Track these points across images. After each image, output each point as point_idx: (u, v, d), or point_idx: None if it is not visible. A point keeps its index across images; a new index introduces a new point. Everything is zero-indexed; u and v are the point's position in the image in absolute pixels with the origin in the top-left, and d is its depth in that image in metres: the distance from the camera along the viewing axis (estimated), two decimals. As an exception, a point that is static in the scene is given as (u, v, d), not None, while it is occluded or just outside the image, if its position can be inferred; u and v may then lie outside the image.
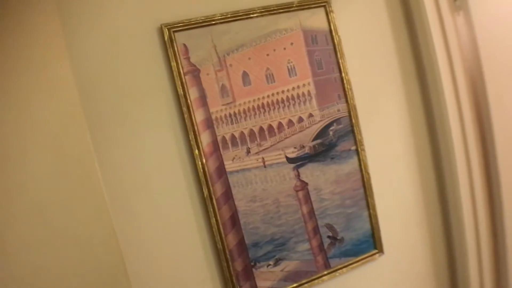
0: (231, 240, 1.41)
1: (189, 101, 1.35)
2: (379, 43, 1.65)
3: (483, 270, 1.77)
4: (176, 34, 1.35)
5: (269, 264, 1.46)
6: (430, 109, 1.71)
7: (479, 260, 1.77)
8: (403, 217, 1.71)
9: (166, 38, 1.34)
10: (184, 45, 1.36)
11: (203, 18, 1.38)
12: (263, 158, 1.44)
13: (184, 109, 1.35)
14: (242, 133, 1.42)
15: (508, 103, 1.69)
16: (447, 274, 1.84)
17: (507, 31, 1.71)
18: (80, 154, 1.24)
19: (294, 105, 1.48)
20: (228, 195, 1.40)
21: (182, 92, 1.35)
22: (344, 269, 1.57)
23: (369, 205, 1.59)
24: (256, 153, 1.44)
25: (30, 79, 1.17)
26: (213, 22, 1.39)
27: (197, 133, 1.36)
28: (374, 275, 1.65)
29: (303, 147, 1.49)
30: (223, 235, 1.39)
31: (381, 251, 1.64)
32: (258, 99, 1.44)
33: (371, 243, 1.62)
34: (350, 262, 1.58)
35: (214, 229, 1.38)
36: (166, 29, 1.34)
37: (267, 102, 1.45)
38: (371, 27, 1.64)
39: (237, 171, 1.41)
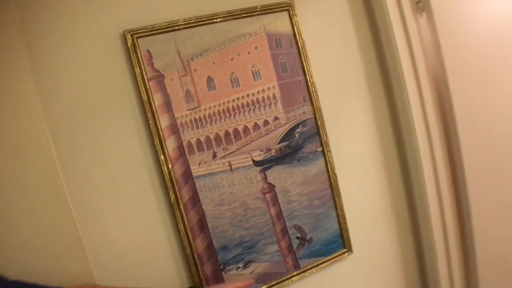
0: (199, 244, 1.42)
1: (153, 107, 1.35)
2: (343, 46, 1.68)
3: (452, 266, 1.81)
4: (139, 40, 1.35)
5: (239, 267, 1.47)
6: (394, 109, 1.75)
7: (447, 256, 1.80)
8: (371, 216, 1.74)
9: (129, 45, 1.33)
10: (148, 51, 1.36)
11: (166, 23, 1.38)
12: (229, 162, 1.45)
13: (149, 115, 1.35)
14: (208, 137, 1.43)
15: (471, 102, 1.73)
16: (416, 271, 1.88)
17: (469, 32, 1.75)
18: (43, 162, 1.23)
19: (259, 108, 1.50)
20: (195, 199, 1.41)
21: (146, 98, 1.35)
22: (314, 269, 1.59)
23: (337, 205, 1.61)
24: (223, 157, 1.45)
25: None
26: (177, 28, 1.40)
27: (162, 138, 1.36)
28: (343, 274, 1.68)
29: (270, 149, 1.51)
30: (191, 240, 1.40)
31: (350, 250, 1.66)
32: (223, 103, 1.45)
33: (340, 242, 1.64)
34: (320, 262, 1.60)
35: (182, 234, 1.39)
36: (129, 35, 1.33)
37: (232, 106, 1.46)
38: (335, 30, 1.67)
39: (203, 176, 1.42)
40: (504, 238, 1.84)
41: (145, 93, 1.35)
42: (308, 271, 1.58)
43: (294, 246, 1.56)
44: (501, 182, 1.82)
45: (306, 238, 1.57)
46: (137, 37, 1.34)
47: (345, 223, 1.64)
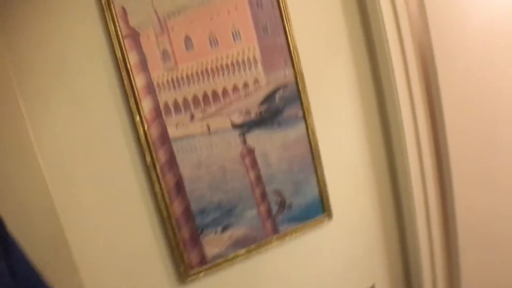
0: (177, 207, 1.39)
1: (128, 65, 1.31)
2: (326, 8, 1.62)
3: (432, 233, 1.82)
4: (114, -4, 1.29)
5: (216, 231, 1.46)
6: (378, 74, 1.72)
7: (427, 222, 1.81)
8: (352, 182, 1.73)
9: (103, 1, 1.28)
10: (123, 7, 1.31)
11: (142, -21, 1.33)
12: (207, 124, 1.42)
13: (124, 74, 1.30)
14: (185, 98, 1.39)
15: (455, 68, 1.71)
16: (397, 238, 1.89)
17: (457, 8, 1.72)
18: (12, 124, 1.19)
19: (239, 70, 1.46)
20: (172, 162, 1.38)
21: (121, 56, 1.30)
22: (293, 234, 1.58)
23: (317, 171, 1.60)
24: (201, 119, 1.41)
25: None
26: (153, -16, 1.34)
27: (138, 99, 1.32)
28: (323, 240, 1.67)
29: (249, 112, 1.48)
30: (168, 203, 1.37)
31: (330, 216, 1.65)
32: (202, 63, 1.41)
33: (320, 208, 1.63)
34: (299, 227, 1.59)
35: (158, 197, 1.36)
36: (103, -9, 1.28)
37: (211, 67, 1.42)
38: (318, -9, 1.62)
39: (181, 138, 1.38)
40: (485, 202, 1.85)
41: (119, 51, 1.30)
42: (288, 236, 1.57)
43: (274, 210, 1.54)
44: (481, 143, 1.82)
45: (286, 203, 1.56)
46: (112, -7, 1.29)
47: (326, 188, 1.62)
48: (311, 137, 1.57)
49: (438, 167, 1.80)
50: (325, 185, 1.62)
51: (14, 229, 1.14)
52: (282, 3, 1.51)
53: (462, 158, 1.74)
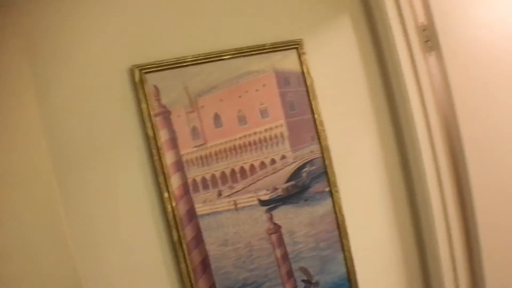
0: (202, 285, 1.37)
1: (159, 143, 1.33)
2: (351, 84, 1.66)
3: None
4: (147, 75, 1.34)
5: (242, 310, 1.42)
6: (404, 148, 1.72)
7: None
8: (380, 259, 1.69)
9: (137, 80, 1.33)
10: (155, 86, 1.35)
11: (174, 59, 1.38)
12: (235, 201, 1.42)
13: (154, 151, 1.33)
14: (213, 175, 1.40)
15: (481, 142, 1.70)
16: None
17: (478, 70, 1.73)
18: (44, 196, 1.21)
19: (266, 146, 1.47)
20: (198, 239, 1.37)
21: (152, 134, 1.33)
22: (319, 314, 1.53)
23: (344, 247, 1.57)
24: (228, 195, 1.41)
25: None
26: (185, 64, 1.39)
27: (167, 175, 1.33)
28: (350, 320, 1.61)
29: (276, 189, 1.47)
30: (193, 281, 1.35)
31: (357, 295, 1.61)
32: (230, 141, 1.43)
33: (347, 286, 1.58)
34: (326, 306, 1.55)
35: (184, 275, 1.34)
36: (137, 70, 1.33)
37: (239, 144, 1.44)
38: (344, 68, 1.66)
39: (208, 214, 1.38)
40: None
41: (151, 129, 1.33)
42: (314, 316, 1.53)
43: (300, 289, 1.50)
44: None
45: (312, 281, 1.52)
46: (145, 72, 1.34)
47: (353, 266, 1.58)
48: (338, 213, 1.55)
49: (467, 244, 1.75)
50: (352, 262, 1.58)
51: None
52: (309, 81, 1.55)
53: (491, 236, 1.69)
